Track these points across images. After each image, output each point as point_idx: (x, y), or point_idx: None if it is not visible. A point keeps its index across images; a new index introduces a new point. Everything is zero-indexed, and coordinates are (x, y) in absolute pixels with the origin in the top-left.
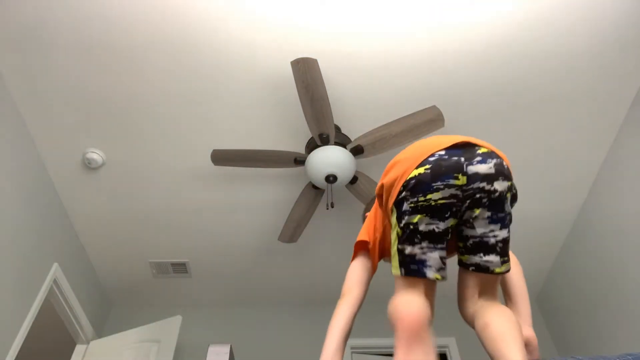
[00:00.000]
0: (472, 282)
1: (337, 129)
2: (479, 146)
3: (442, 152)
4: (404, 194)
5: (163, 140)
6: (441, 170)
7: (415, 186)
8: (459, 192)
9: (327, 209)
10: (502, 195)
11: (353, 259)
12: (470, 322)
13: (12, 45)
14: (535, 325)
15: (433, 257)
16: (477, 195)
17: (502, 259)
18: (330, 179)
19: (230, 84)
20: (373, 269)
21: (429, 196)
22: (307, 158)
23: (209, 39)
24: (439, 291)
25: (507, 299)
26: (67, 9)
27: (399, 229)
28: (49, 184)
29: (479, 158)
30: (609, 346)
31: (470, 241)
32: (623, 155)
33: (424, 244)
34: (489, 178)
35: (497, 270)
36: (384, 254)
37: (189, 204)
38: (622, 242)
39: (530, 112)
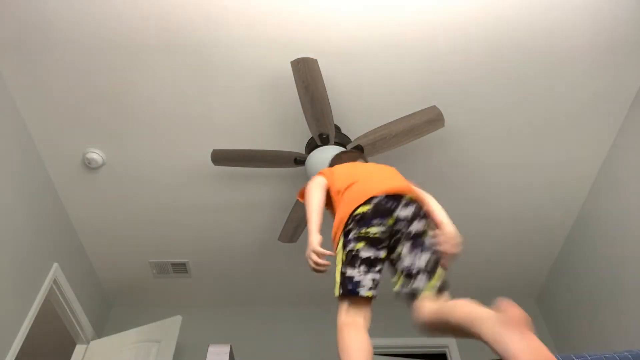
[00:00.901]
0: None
1: (337, 129)
2: (405, 195)
3: (382, 197)
4: (350, 225)
5: (163, 140)
6: (379, 211)
7: (360, 220)
8: (389, 229)
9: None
10: (419, 232)
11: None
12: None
13: (12, 45)
14: (536, 325)
15: (367, 278)
16: (402, 232)
17: (429, 278)
18: None
19: (230, 84)
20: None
21: (369, 229)
22: (307, 158)
23: (209, 39)
24: None
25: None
26: (67, 9)
27: (343, 255)
28: (49, 184)
29: (404, 203)
30: (610, 346)
31: (402, 272)
32: (623, 155)
33: (362, 268)
34: (409, 219)
35: (422, 294)
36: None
37: (189, 204)
38: (622, 242)
39: (529, 111)
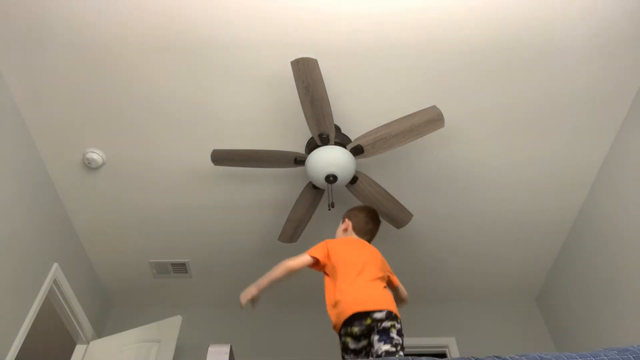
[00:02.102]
0: None
1: (337, 129)
2: (383, 308)
3: (366, 308)
4: (344, 322)
5: (163, 140)
6: (360, 317)
7: (349, 320)
8: (366, 327)
9: (329, 209)
10: (386, 328)
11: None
12: None
13: (12, 45)
14: (535, 325)
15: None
16: (373, 327)
17: None
18: (330, 179)
19: (230, 83)
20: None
21: (352, 329)
22: (307, 158)
23: (209, 39)
24: (442, 293)
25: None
26: (67, 9)
27: (340, 344)
28: (49, 184)
29: (379, 310)
30: (610, 346)
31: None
32: (623, 155)
33: (351, 356)
34: (380, 320)
35: None
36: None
37: (189, 204)
38: (621, 242)
39: (530, 111)
